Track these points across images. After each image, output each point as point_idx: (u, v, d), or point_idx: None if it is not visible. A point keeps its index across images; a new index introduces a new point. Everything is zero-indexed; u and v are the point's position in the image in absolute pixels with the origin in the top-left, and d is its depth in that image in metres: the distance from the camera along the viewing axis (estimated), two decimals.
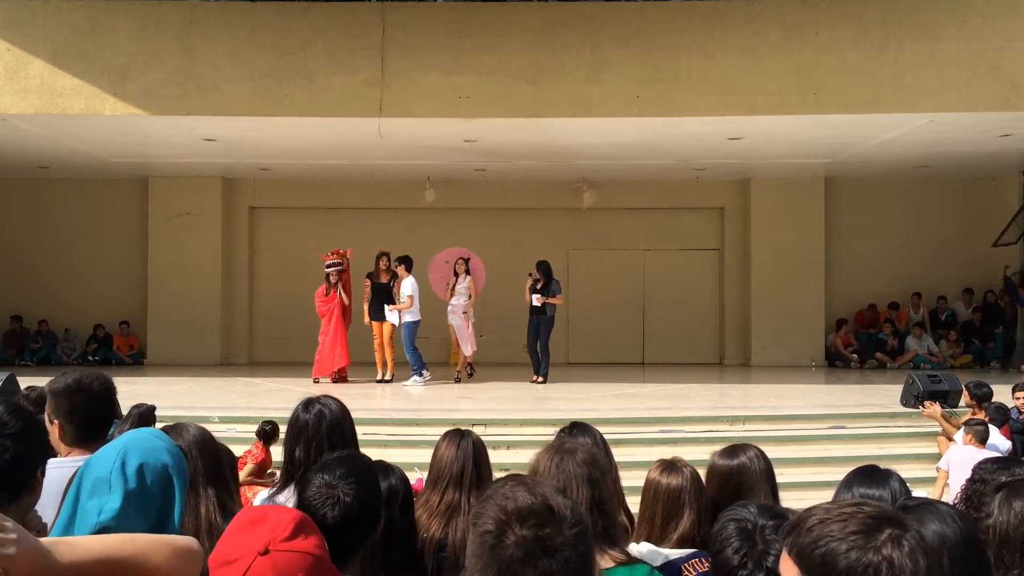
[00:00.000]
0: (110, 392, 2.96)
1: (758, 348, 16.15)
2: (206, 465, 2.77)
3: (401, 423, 9.20)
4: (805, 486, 7.46)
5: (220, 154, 13.99)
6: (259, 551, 1.69)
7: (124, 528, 1.67)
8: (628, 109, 10.85)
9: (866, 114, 10.90)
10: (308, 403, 3.20)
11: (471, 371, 13.25)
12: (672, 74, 10.81)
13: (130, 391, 8.46)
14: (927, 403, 8.82)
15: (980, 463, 2.94)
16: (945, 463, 6.74)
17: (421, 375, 12.52)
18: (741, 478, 3.06)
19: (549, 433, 3.50)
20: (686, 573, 2.71)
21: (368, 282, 12.98)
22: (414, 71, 10.83)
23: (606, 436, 3.43)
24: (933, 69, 10.65)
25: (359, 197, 16.33)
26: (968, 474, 2.70)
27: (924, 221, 16.45)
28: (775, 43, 10.78)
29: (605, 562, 2.32)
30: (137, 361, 15.99)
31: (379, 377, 12.72)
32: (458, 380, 12.94)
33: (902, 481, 2.68)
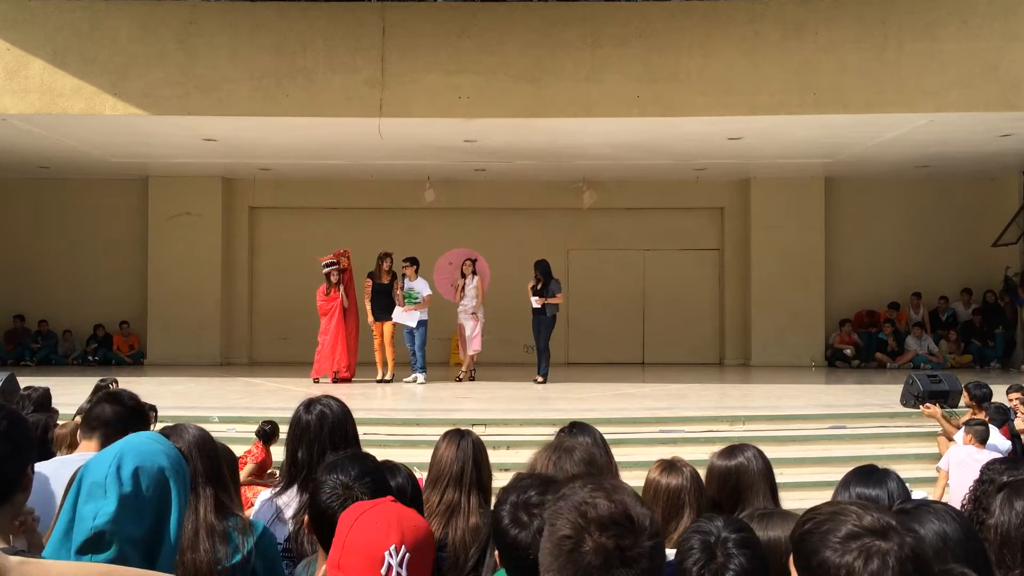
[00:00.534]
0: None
1: (758, 348, 16.15)
2: (205, 466, 2.77)
3: (401, 423, 9.20)
4: (805, 486, 7.45)
5: (220, 154, 13.99)
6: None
7: (120, 532, 1.67)
8: (628, 109, 10.86)
9: (866, 114, 10.91)
10: (309, 404, 3.19)
11: (460, 377, 13.25)
12: (672, 74, 10.82)
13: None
14: (928, 404, 8.84)
15: (988, 464, 2.94)
16: (945, 463, 6.74)
17: (424, 373, 12.56)
18: (739, 478, 3.06)
19: (549, 433, 3.50)
20: None
21: (369, 282, 12.97)
22: (414, 71, 10.84)
23: (606, 436, 3.42)
24: (933, 69, 10.65)
25: (359, 197, 16.33)
26: (968, 474, 2.71)
27: (924, 221, 16.45)
28: (775, 43, 10.78)
29: None
30: (137, 361, 15.99)
31: (379, 377, 12.72)
32: (459, 379, 12.95)
33: (900, 481, 2.68)
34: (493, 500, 2.36)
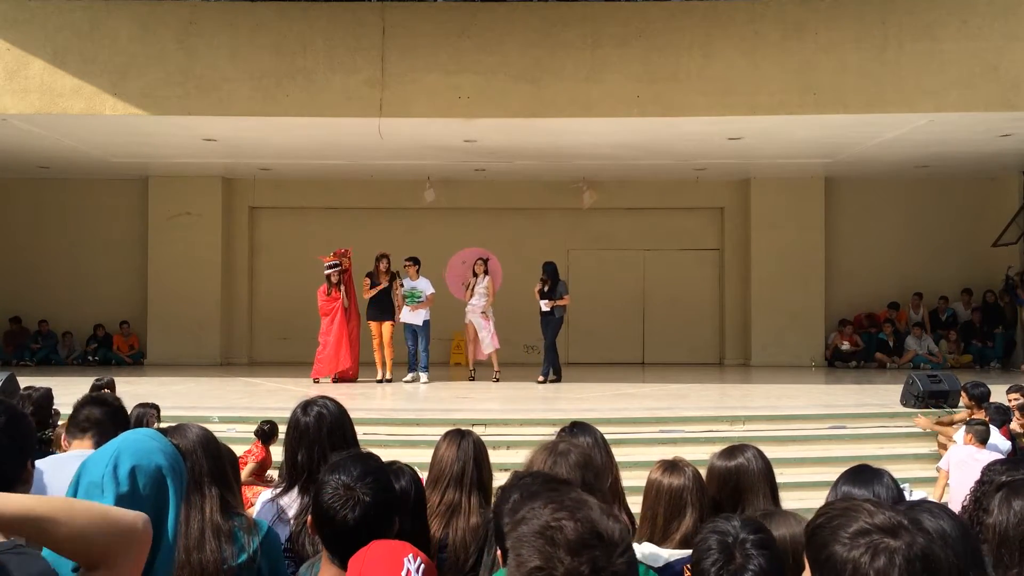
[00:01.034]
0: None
1: (758, 348, 16.15)
2: (210, 466, 2.78)
3: (401, 423, 9.20)
4: (805, 486, 7.45)
5: (220, 154, 13.99)
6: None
7: None
8: (628, 109, 10.86)
9: (866, 114, 10.91)
10: (306, 405, 3.18)
11: (473, 375, 13.25)
12: (672, 74, 10.81)
13: (130, 391, 8.47)
14: (918, 416, 8.94)
15: (989, 465, 2.94)
16: (945, 463, 6.74)
17: (427, 373, 12.58)
18: (739, 478, 3.06)
19: (549, 433, 3.50)
20: (687, 574, 2.71)
21: (368, 282, 12.97)
22: (414, 71, 10.84)
23: (606, 436, 3.42)
24: (933, 69, 10.65)
25: (359, 197, 16.33)
26: (968, 474, 2.72)
27: (924, 221, 16.45)
28: (775, 43, 10.78)
29: None
30: (137, 361, 15.99)
31: (379, 377, 12.72)
32: (472, 378, 13.05)
33: (894, 481, 2.68)
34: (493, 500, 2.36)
